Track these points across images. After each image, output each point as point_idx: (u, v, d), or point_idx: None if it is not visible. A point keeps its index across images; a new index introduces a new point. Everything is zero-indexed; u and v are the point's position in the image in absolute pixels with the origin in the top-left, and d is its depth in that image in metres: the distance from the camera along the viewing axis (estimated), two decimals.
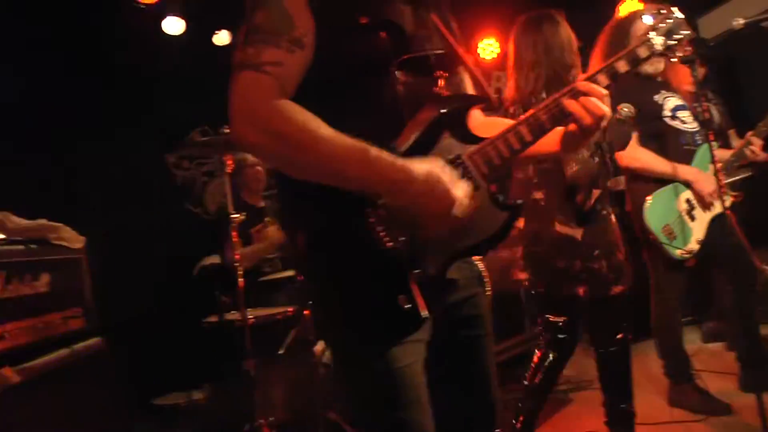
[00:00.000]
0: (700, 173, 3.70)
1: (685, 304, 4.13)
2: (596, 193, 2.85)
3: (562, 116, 1.60)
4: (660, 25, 1.78)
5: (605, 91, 1.60)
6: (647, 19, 1.81)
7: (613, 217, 3.03)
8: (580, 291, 2.93)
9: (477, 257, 1.72)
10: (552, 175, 2.95)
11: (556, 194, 2.94)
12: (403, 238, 1.48)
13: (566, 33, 2.99)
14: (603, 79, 1.63)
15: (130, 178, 4.71)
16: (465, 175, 1.52)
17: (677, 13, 1.81)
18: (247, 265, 3.86)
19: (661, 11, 1.81)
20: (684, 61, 2.99)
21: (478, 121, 1.78)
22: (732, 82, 6.09)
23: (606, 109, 1.59)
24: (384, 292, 1.46)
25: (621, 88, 3.45)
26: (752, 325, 3.70)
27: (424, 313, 1.46)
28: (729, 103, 4.91)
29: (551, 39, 2.94)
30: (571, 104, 1.57)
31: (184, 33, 5.14)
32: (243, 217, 3.64)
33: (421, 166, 1.42)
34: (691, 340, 4.83)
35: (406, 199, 1.42)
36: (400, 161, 1.41)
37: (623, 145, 3.24)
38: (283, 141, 1.37)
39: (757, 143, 3.87)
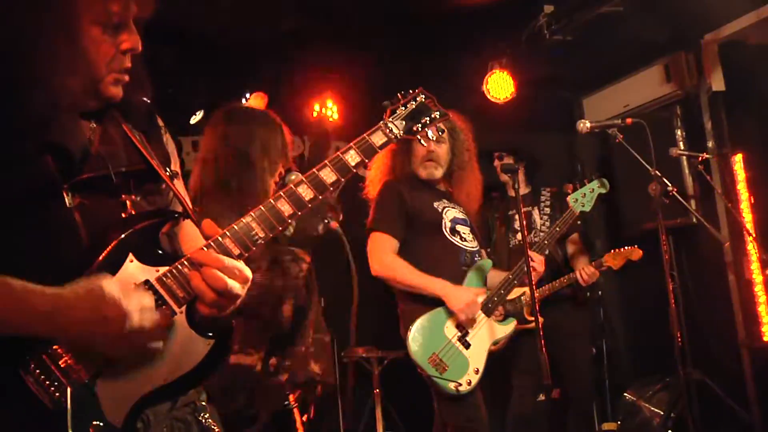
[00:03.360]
0: (451, 288, 3.52)
1: None
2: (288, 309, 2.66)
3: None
4: (401, 108, 1.86)
5: (228, 261, 1.48)
6: (385, 103, 1.88)
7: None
8: None
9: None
10: None
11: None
12: (72, 388, 1.38)
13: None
14: (309, 190, 1.61)
15: None
16: (155, 301, 1.46)
17: (422, 95, 1.89)
18: None
19: (403, 93, 1.89)
20: (505, 170, 3.13)
21: (192, 237, 1.72)
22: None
23: (232, 282, 1.47)
24: None
25: (400, 187, 3.54)
26: None
27: None
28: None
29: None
30: (194, 279, 1.47)
31: None
32: None
33: (80, 286, 1.37)
34: None
35: (73, 328, 1.35)
36: (51, 289, 1.35)
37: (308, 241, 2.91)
38: None
39: (537, 258, 3.83)
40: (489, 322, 3.59)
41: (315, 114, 5.70)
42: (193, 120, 5.54)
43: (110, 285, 1.38)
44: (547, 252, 4.00)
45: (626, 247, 4.16)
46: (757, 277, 5.02)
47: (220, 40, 4.99)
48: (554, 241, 4.03)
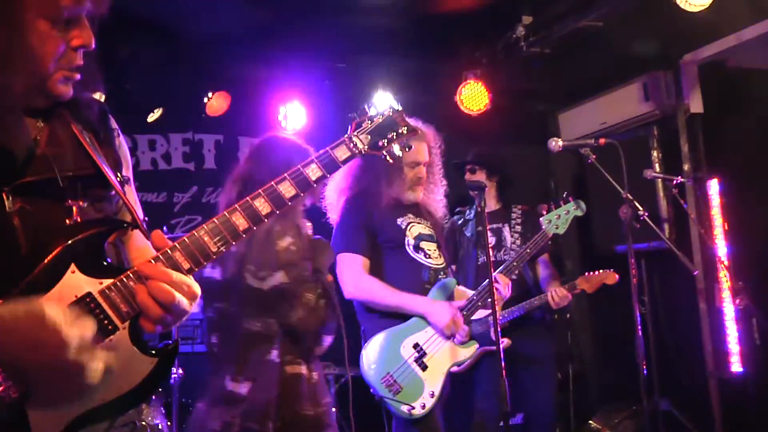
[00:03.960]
0: (434, 304, 3.59)
1: None
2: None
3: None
4: (368, 121, 1.86)
5: (177, 276, 1.48)
6: (352, 116, 1.89)
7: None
8: None
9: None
10: (226, 321, 2.90)
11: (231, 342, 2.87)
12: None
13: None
14: (266, 205, 1.61)
15: None
16: (97, 315, 1.45)
17: (390, 109, 1.90)
18: None
19: (369, 106, 1.90)
20: (471, 187, 3.14)
21: (140, 248, 1.72)
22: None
23: (180, 298, 1.47)
24: None
25: (364, 202, 3.58)
26: None
27: None
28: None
29: None
30: (140, 293, 1.46)
31: None
32: None
33: (19, 306, 1.34)
34: None
35: (6, 349, 1.32)
36: None
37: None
38: None
39: (503, 281, 3.82)
40: (449, 344, 3.60)
41: (281, 118, 5.69)
42: (151, 118, 5.51)
43: (52, 309, 1.35)
44: (515, 275, 3.98)
45: (601, 271, 4.15)
46: (728, 306, 5.12)
47: (180, 35, 4.96)
48: (523, 262, 4.02)
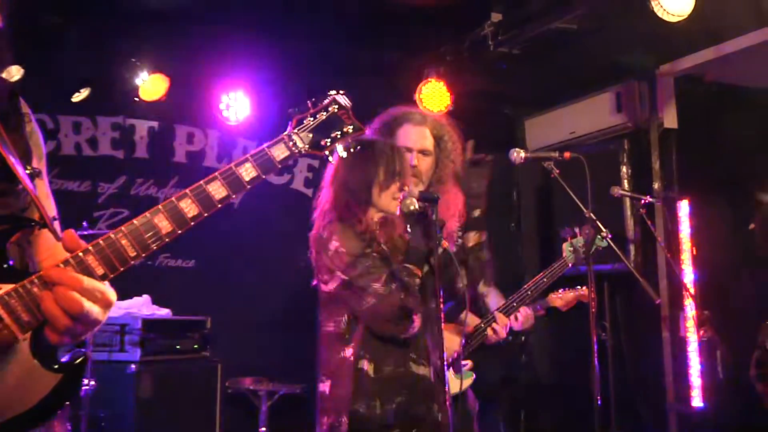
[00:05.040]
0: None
1: None
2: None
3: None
4: (310, 118, 1.85)
5: (89, 282, 1.44)
6: (291, 111, 1.87)
7: None
8: None
9: None
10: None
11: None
12: None
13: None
14: (193, 206, 1.59)
15: None
16: None
17: (335, 105, 1.89)
18: None
19: (314, 101, 1.89)
20: (423, 198, 3.04)
21: (49, 250, 1.67)
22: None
23: (91, 306, 1.44)
24: None
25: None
26: None
27: None
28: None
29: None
30: (45, 300, 1.42)
31: None
32: None
33: None
34: None
35: None
36: None
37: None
38: None
39: (502, 321, 3.64)
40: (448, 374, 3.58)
41: (223, 107, 5.64)
42: (76, 98, 5.40)
43: None
44: (512, 315, 3.73)
45: (578, 288, 4.02)
46: (692, 336, 5.25)
47: (116, 6, 4.87)
48: (537, 293, 3.81)
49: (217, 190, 1.63)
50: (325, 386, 3.07)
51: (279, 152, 1.73)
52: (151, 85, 5.44)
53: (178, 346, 5.14)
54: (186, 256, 5.98)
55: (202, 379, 5.17)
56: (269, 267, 6.01)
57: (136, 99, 5.51)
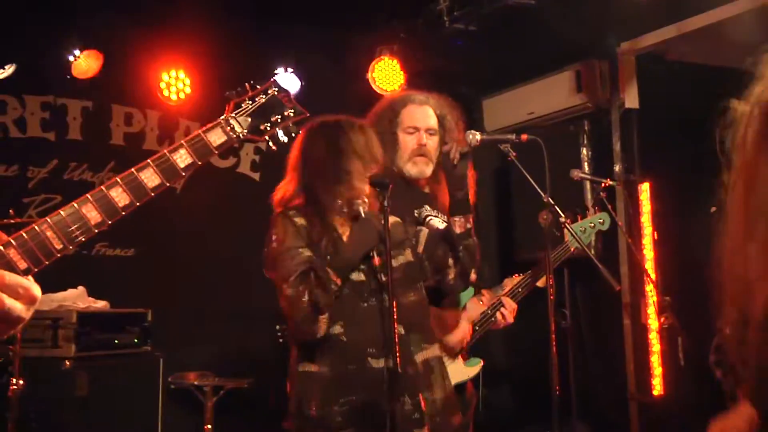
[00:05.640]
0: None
1: None
2: None
3: None
4: (248, 101, 1.83)
5: (10, 277, 1.39)
6: (229, 94, 1.85)
7: None
8: None
9: None
10: None
11: None
12: None
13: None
14: (124, 195, 1.57)
15: None
16: None
17: (274, 88, 1.87)
18: None
19: (252, 84, 1.86)
20: (374, 183, 3.06)
21: None
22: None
23: (12, 303, 1.39)
24: None
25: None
26: None
27: None
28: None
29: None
30: None
31: None
32: None
33: None
34: None
35: None
36: None
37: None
38: None
39: (510, 306, 3.76)
40: (456, 362, 3.59)
41: (163, 85, 5.55)
42: (0, 75, 5.25)
43: None
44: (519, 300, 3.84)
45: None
46: (653, 322, 5.34)
47: None
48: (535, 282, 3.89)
49: (149, 177, 1.61)
50: (288, 387, 3.09)
51: (216, 137, 1.72)
52: (84, 62, 5.33)
53: (116, 341, 5.04)
54: (125, 245, 5.86)
55: (142, 374, 5.07)
56: (214, 255, 5.95)
57: (69, 77, 5.39)
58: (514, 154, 3.61)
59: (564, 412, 4.24)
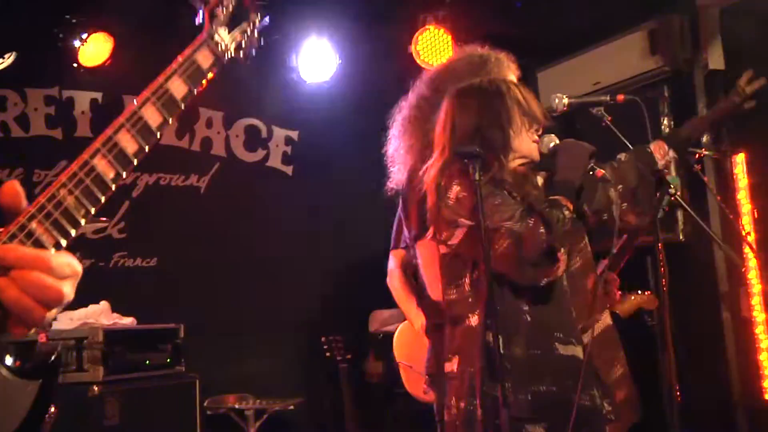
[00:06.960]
0: None
1: None
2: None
3: None
4: (220, 9, 1.62)
5: (52, 257, 1.29)
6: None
7: None
8: None
9: None
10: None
11: None
12: None
13: None
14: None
15: None
16: None
17: None
18: None
19: None
20: (462, 155, 2.95)
21: None
22: None
23: (67, 288, 1.30)
24: None
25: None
26: None
27: None
28: None
29: None
30: (7, 290, 1.25)
31: None
32: None
33: None
34: None
35: None
36: None
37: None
38: None
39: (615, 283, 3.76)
40: None
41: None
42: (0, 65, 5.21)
43: None
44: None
45: (639, 293, 4.15)
46: (759, 315, 5.13)
47: None
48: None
49: (152, 116, 1.51)
50: (451, 365, 3.02)
51: (203, 58, 1.58)
52: (92, 48, 5.26)
53: (147, 361, 4.95)
54: (145, 254, 5.80)
55: (177, 399, 4.99)
56: (244, 261, 5.88)
57: (75, 65, 5.37)
58: (609, 118, 3.47)
59: (659, 423, 4.09)
